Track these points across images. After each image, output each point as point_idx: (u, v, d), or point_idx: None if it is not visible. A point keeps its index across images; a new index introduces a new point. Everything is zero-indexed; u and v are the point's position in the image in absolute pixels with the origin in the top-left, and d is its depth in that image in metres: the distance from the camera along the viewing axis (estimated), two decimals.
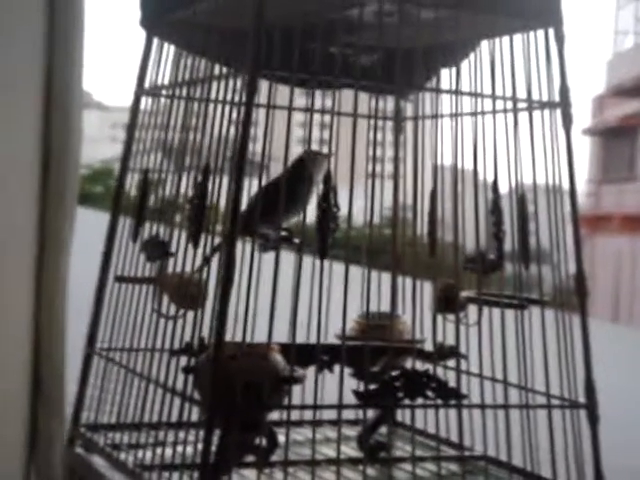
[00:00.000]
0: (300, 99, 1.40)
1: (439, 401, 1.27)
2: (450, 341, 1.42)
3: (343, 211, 1.31)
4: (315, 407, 1.23)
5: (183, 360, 1.28)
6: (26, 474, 1.46)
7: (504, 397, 1.35)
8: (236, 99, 1.27)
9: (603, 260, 14.47)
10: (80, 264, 1.96)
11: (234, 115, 1.26)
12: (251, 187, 1.33)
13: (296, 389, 1.31)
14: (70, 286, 1.52)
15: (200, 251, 1.29)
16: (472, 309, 1.48)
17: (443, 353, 1.44)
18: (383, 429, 1.53)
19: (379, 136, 1.69)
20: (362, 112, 1.49)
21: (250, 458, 1.30)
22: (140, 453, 1.36)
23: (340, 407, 1.24)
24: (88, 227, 2.79)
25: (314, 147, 1.47)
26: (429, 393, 1.25)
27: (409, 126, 1.67)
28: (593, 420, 1.35)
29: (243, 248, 1.31)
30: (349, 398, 1.26)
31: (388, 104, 1.71)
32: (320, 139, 1.50)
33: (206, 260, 1.29)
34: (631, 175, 15.51)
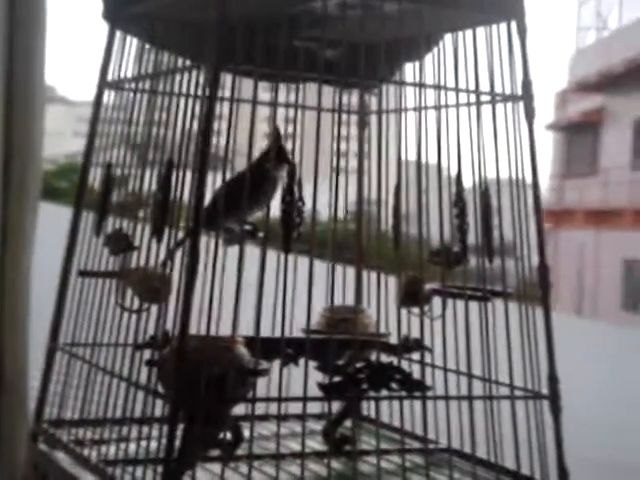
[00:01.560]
0: (265, 93, 1.40)
1: (403, 393, 1.27)
2: (415, 334, 1.43)
3: (308, 206, 1.31)
4: (280, 400, 1.23)
5: (148, 354, 1.28)
6: None
7: (468, 389, 1.35)
8: (199, 93, 1.27)
9: (567, 254, 14.61)
10: (45, 259, 1.94)
11: (197, 109, 1.25)
12: (216, 181, 1.33)
13: (262, 383, 1.31)
14: (35, 281, 1.51)
15: (164, 245, 1.28)
16: (437, 303, 1.48)
17: (408, 346, 1.44)
18: (348, 422, 1.53)
19: (344, 130, 1.70)
20: (327, 106, 1.49)
21: (215, 452, 1.30)
22: (104, 448, 1.35)
23: (305, 400, 1.24)
24: (53, 222, 2.77)
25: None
26: (393, 385, 1.25)
27: (374, 120, 1.67)
28: (556, 411, 1.36)
29: (207, 242, 1.31)
30: (314, 391, 1.26)
31: (353, 98, 1.71)
32: (285, 133, 1.50)
33: (170, 253, 1.29)
34: (593, 170, 15.67)
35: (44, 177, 1.61)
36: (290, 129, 1.44)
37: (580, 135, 16.09)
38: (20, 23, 1.44)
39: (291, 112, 1.44)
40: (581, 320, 11.62)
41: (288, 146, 1.41)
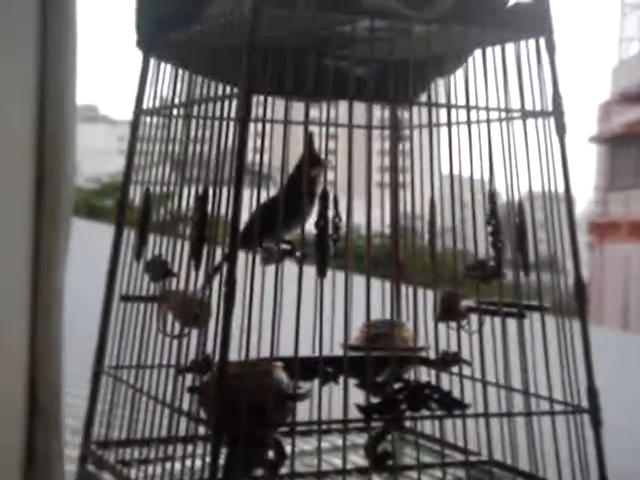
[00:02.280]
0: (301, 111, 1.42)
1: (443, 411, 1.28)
2: (454, 349, 1.44)
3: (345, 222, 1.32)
4: (319, 422, 1.24)
5: (189, 378, 1.30)
6: None
7: (508, 404, 1.36)
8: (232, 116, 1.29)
9: (612, 267, 14.39)
10: (92, 277, 1.97)
11: (231, 132, 1.27)
12: (260, 198, 1.35)
13: (306, 401, 1.33)
14: (81, 301, 1.54)
15: (202, 269, 1.31)
16: (475, 317, 1.49)
17: (446, 360, 1.45)
18: (391, 436, 1.55)
19: (380, 146, 1.71)
20: (360, 123, 1.50)
21: (258, 471, 1.32)
22: (150, 469, 1.38)
23: (345, 422, 1.25)
24: (96, 241, 2.81)
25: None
26: (432, 405, 1.27)
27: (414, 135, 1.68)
28: (596, 424, 1.36)
29: (246, 262, 1.32)
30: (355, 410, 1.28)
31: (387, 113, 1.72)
32: (320, 151, 1.52)
33: (208, 279, 1.31)
34: (638, 182, 15.46)
35: (87, 196, 1.64)
36: (326, 146, 1.45)
37: (624, 147, 15.89)
38: (53, 41, 1.46)
39: (325, 130, 1.45)
40: (627, 334, 11.49)
41: (324, 163, 1.43)
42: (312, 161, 1.40)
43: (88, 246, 1.59)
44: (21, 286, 1.43)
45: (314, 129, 1.42)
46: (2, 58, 1.41)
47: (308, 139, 1.41)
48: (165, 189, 1.46)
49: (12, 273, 1.43)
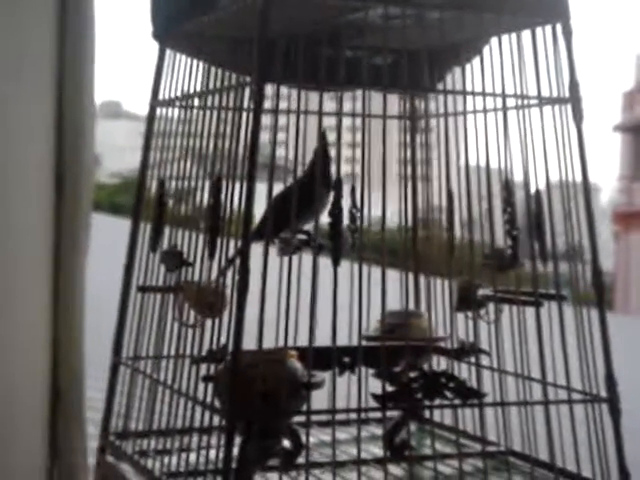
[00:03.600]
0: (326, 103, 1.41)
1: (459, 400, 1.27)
2: (473, 338, 1.43)
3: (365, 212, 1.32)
4: (334, 411, 1.24)
5: (206, 367, 1.30)
6: None
7: (525, 392, 1.35)
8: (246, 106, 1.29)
9: (638, 257, 14.22)
10: (115, 273, 1.98)
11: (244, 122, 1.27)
12: (272, 190, 1.34)
13: (324, 391, 1.33)
14: (105, 295, 1.54)
15: (217, 259, 1.31)
16: (494, 306, 1.48)
17: (464, 350, 1.44)
18: (410, 426, 1.54)
19: (398, 137, 1.70)
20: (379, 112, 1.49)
21: (275, 461, 1.32)
22: (167, 459, 1.38)
23: (359, 410, 1.25)
24: (119, 235, 2.81)
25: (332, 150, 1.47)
26: (448, 393, 1.26)
27: (432, 126, 1.67)
28: (615, 413, 1.35)
29: (263, 253, 1.32)
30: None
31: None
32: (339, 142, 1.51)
33: (223, 269, 1.31)
34: None
35: (110, 192, 1.64)
36: (344, 138, 1.44)
37: None
38: (71, 36, 1.47)
39: (341, 120, 1.44)
40: None
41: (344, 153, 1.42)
42: (322, 154, 1.39)
43: (111, 241, 1.59)
44: (43, 277, 1.45)
45: (330, 120, 1.42)
46: (21, 55, 1.42)
47: (322, 134, 1.41)
48: (181, 182, 1.46)
49: (34, 268, 1.45)
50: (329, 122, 1.44)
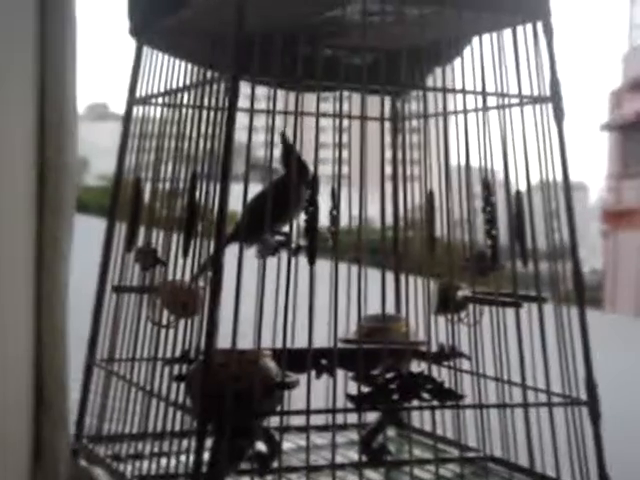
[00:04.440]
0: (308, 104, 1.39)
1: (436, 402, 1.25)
2: (453, 341, 1.41)
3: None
4: (308, 412, 1.22)
5: (182, 369, 1.27)
6: None
7: (504, 396, 1.33)
8: (221, 104, 1.27)
9: (626, 255, 14.25)
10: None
11: (218, 120, 1.25)
12: (248, 193, 1.32)
13: (299, 394, 1.30)
14: (86, 297, 1.52)
15: (190, 259, 1.28)
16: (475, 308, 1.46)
17: (444, 354, 1.42)
18: (388, 431, 1.52)
19: (378, 139, 1.68)
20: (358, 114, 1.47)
21: (249, 465, 1.29)
22: (139, 463, 1.35)
23: (334, 411, 1.23)
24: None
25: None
26: (425, 395, 1.24)
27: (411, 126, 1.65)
28: (595, 417, 1.33)
29: (241, 254, 1.30)
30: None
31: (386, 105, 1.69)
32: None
33: (201, 269, 1.29)
34: None
35: (97, 194, 1.62)
36: (326, 139, 1.42)
37: (636, 134, 15.76)
38: (52, 35, 1.45)
39: (323, 121, 1.42)
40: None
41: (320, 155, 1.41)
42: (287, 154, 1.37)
43: (99, 243, 1.56)
44: (26, 280, 1.43)
45: (311, 121, 1.40)
46: (2, 54, 1.40)
47: (285, 143, 1.39)
48: (157, 181, 1.44)
49: (15, 271, 1.42)
50: (310, 123, 1.42)
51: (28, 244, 1.44)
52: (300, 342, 1.32)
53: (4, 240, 1.41)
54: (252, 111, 1.25)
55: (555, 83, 1.33)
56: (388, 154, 1.69)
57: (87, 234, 1.93)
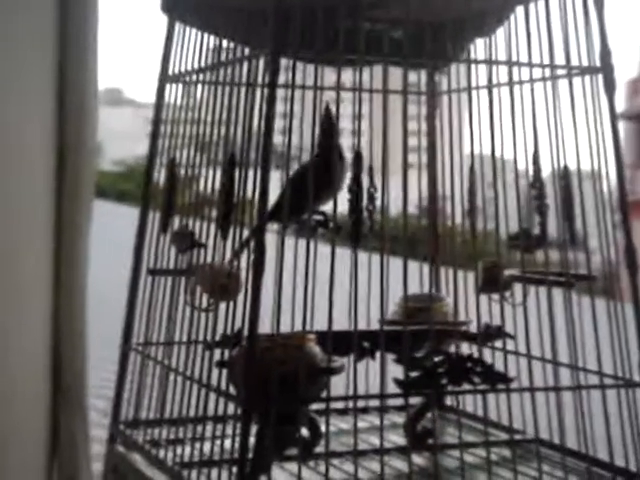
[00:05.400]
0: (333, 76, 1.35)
1: (486, 386, 1.21)
2: (497, 322, 1.37)
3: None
4: (355, 397, 1.18)
5: (220, 353, 1.24)
6: (49, 473, 1.44)
7: (554, 378, 1.29)
8: (260, 81, 1.23)
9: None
10: (119, 259, 1.93)
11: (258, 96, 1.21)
12: (283, 179, 1.29)
13: (342, 377, 1.27)
14: (107, 283, 1.49)
15: (230, 241, 1.25)
16: (518, 289, 1.42)
17: (489, 334, 1.38)
18: (431, 414, 1.48)
19: (415, 112, 1.63)
20: (396, 87, 1.43)
21: (293, 450, 1.26)
22: (179, 449, 1.32)
23: (382, 397, 1.19)
24: (123, 223, 2.76)
25: (348, 124, 1.41)
26: (474, 378, 1.20)
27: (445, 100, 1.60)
28: None
29: (278, 236, 1.26)
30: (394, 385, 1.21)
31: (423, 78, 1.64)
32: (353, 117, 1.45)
33: (237, 250, 1.25)
34: None
35: (113, 179, 1.59)
36: (359, 112, 1.38)
37: None
38: (73, 22, 1.42)
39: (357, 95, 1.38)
40: None
41: (355, 132, 1.36)
42: (330, 129, 1.33)
43: (116, 228, 1.54)
44: (44, 267, 1.40)
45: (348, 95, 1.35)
46: (23, 41, 1.36)
47: (326, 108, 1.35)
48: (192, 162, 1.40)
49: (35, 254, 1.40)
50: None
51: (47, 228, 1.42)
52: (336, 326, 1.28)
53: (23, 224, 1.39)
54: (293, 87, 1.20)
55: (606, 53, 1.28)
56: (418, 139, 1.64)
57: (105, 219, 1.90)
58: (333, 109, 1.29)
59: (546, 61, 1.30)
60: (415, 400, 1.40)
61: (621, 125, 1.24)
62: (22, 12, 1.36)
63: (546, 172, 1.33)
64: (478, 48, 1.43)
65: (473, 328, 1.44)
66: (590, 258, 1.30)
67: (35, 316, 1.41)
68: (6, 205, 1.35)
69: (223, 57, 1.34)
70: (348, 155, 1.33)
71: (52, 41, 1.40)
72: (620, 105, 1.25)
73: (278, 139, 1.25)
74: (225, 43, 1.35)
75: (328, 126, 1.34)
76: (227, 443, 1.23)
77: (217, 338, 1.25)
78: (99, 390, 1.57)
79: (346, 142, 1.40)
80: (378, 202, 1.32)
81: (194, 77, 1.41)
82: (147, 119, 1.54)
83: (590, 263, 1.30)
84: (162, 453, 1.34)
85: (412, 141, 1.56)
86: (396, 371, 1.27)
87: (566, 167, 1.30)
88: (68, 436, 1.43)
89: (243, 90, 1.26)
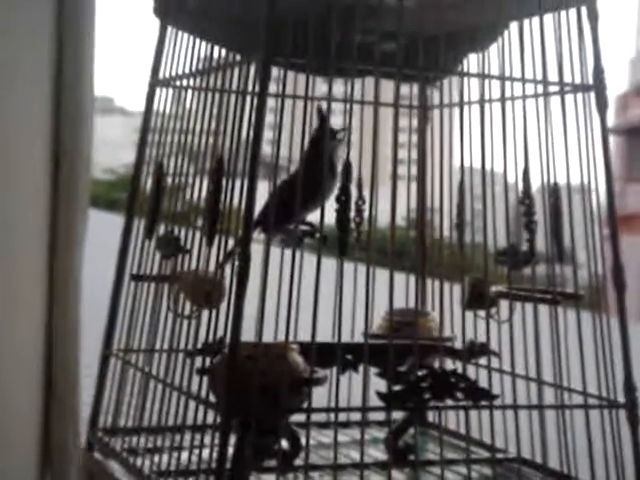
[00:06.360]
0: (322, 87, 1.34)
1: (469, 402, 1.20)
2: (482, 338, 1.36)
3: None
4: (337, 410, 1.17)
5: (201, 361, 1.23)
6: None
7: (537, 396, 1.28)
8: (250, 89, 1.21)
9: (630, 261, 14.11)
10: (107, 268, 1.90)
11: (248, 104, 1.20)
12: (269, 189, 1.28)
13: (323, 390, 1.25)
14: (94, 290, 1.48)
15: (215, 248, 1.23)
16: (504, 306, 1.41)
17: (473, 351, 1.37)
18: (413, 430, 1.46)
19: (405, 125, 1.62)
20: (387, 100, 1.42)
21: (271, 462, 1.24)
22: (157, 457, 1.31)
23: (364, 410, 1.17)
24: (113, 232, 2.73)
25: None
26: (458, 394, 1.18)
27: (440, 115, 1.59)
28: (634, 420, 1.28)
29: (268, 243, 1.24)
30: (376, 399, 1.20)
31: (415, 91, 1.63)
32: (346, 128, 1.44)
33: (225, 259, 1.24)
34: None
35: (103, 188, 1.58)
36: (349, 124, 1.37)
37: None
38: (70, 26, 1.41)
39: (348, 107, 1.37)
40: None
41: (338, 137, 1.36)
42: (321, 135, 1.32)
43: (107, 237, 1.52)
44: (39, 271, 1.39)
45: (339, 106, 1.34)
46: (20, 47, 1.35)
47: (319, 110, 1.34)
48: (180, 167, 1.39)
49: (29, 261, 1.38)
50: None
51: (42, 235, 1.41)
52: (320, 338, 1.27)
53: (18, 231, 1.37)
54: (283, 96, 1.19)
55: (599, 70, 1.28)
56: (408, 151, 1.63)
57: (96, 228, 1.88)
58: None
59: (539, 77, 1.29)
60: (397, 415, 1.39)
61: (610, 139, 1.24)
62: (19, 18, 1.35)
63: (535, 186, 1.33)
64: (471, 63, 1.43)
65: (458, 344, 1.42)
66: (577, 274, 1.29)
67: (29, 324, 1.40)
68: (1, 211, 1.34)
69: (214, 63, 1.33)
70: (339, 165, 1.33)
71: (49, 48, 1.39)
72: (610, 120, 1.24)
73: (267, 150, 1.25)
74: (217, 50, 1.34)
75: (318, 130, 1.33)
76: (205, 453, 1.22)
77: (199, 346, 1.23)
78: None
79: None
80: (366, 213, 1.31)
81: (184, 82, 1.40)
82: (137, 128, 1.53)
83: (577, 279, 1.29)
84: (140, 461, 1.33)
85: (402, 153, 1.56)
86: (379, 385, 1.26)
87: (556, 184, 1.29)
88: (60, 444, 1.42)
89: (233, 98, 1.25)
